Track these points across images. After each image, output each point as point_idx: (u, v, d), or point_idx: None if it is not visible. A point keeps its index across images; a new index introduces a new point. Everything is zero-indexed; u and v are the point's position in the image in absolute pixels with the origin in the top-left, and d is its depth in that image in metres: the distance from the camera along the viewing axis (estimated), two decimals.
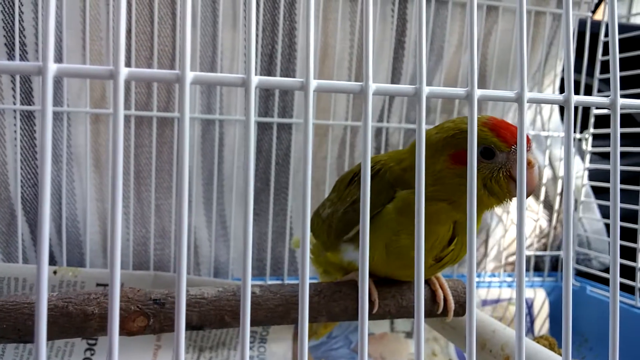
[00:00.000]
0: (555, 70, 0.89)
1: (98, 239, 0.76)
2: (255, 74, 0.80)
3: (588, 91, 0.88)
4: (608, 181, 0.87)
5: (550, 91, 0.90)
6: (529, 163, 0.43)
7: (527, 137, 0.46)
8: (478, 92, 0.28)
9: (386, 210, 0.46)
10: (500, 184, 0.43)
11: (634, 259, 0.78)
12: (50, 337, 0.48)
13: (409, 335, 0.85)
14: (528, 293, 0.89)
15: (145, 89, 0.75)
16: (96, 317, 0.47)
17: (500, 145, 0.42)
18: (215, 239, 0.80)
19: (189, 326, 0.49)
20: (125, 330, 0.47)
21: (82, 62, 0.72)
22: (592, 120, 0.87)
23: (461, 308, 0.54)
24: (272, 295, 0.50)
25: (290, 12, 0.77)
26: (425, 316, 0.55)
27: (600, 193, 0.91)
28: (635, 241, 0.78)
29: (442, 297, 0.53)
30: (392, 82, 0.82)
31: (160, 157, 0.78)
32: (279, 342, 0.80)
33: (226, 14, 0.75)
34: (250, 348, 0.79)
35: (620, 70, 0.39)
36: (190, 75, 0.24)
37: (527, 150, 0.46)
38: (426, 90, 0.27)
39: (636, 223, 0.80)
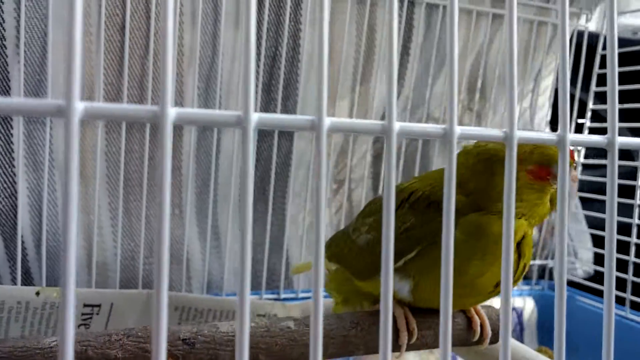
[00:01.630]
0: (551, 80, 0.89)
1: (82, 254, 0.69)
2: (257, 79, 0.75)
3: (582, 106, 0.88)
4: (596, 192, 0.87)
5: (543, 100, 0.90)
6: (574, 179, 0.45)
7: (572, 152, 0.46)
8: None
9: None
10: None
11: (624, 271, 0.79)
12: None
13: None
14: (517, 302, 0.89)
15: (137, 90, 0.69)
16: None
17: (571, 162, 0.44)
18: (209, 251, 0.75)
19: None
20: None
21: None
22: (586, 132, 0.88)
23: (494, 336, 0.53)
24: (308, 329, 0.47)
25: (295, 13, 0.73)
26: (460, 344, 0.53)
27: (588, 203, 0.92)
28: (625, 253, 0.80)
29: (478, 323, 0.51)
30: (397, 89, 0.80)
31: (151, 164, 0.72)
32: None
33: (228, 12, 0.70)
34: None
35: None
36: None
37: (574, 167, 0.46)
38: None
39: (626, 235, 0.82)
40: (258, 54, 0.73)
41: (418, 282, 0.45)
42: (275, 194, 0.77)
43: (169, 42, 0.19)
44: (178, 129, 0.72)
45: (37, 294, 0.63)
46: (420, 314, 0.49)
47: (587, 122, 0.88)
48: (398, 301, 0.49)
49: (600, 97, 0.88)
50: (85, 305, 0.67)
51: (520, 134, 0.24)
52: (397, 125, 0.22)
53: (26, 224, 0.67)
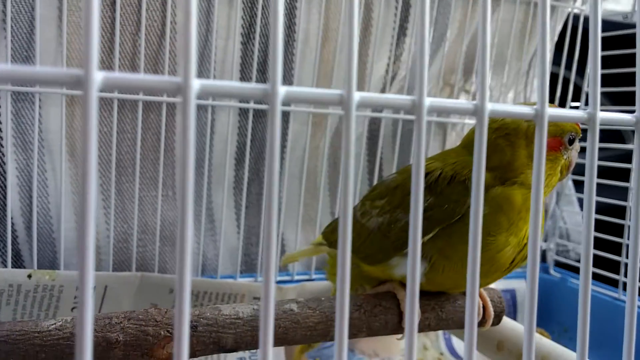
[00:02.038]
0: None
1: (74, 236, 0.68)
2: (251, 58, 0.73)
3: (577, 90, 0.88)
4: (579, 174, 0.87)
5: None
6: (577, 149, 0.48)
7: (578, 125, 0.46)
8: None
9: None
10: (566, 167, 0.47)
11: (618, 253, 0.80)
12: None
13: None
14: (511, 284, 0.90)
15: (129, 69, 0.67)
16: (120, 344, 0.40)
17: (579, 133, 0.46)
18: (203, 234, 0.74)
19: (223, 349, 0.44)
20: (153, 358, 0.41)
21: (58, 34, 0.63)
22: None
23: (496, 318, 0.53)
24: (311, 312, 0.46)
25: None
26: (462, 327, 0.53)
27: (581, 185, 0.92)
28: (619, 235, 0.80)
29: (481, 306, 0.51)
30: (393, 69, 0.79)
31: (143, 144, 0.70)
32: None
33: None
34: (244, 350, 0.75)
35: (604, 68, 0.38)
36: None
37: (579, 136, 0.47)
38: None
39: (620, 218, 0.82)
40: (253, 32, 0.71)
41: (434, 263, 0.45)
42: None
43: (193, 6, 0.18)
44: (170, 108, 0.70)
45: (29, 276, 0.62)
46: (424, 296, 0.49)
47: (582, 105, 0.88)
48: (401, 284, 0.48)
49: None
50: (78, 289, 0.65)
51: (492, 106, 0.23)
52: (428, 101, 0.22)
53: (16, 205, 0.66)
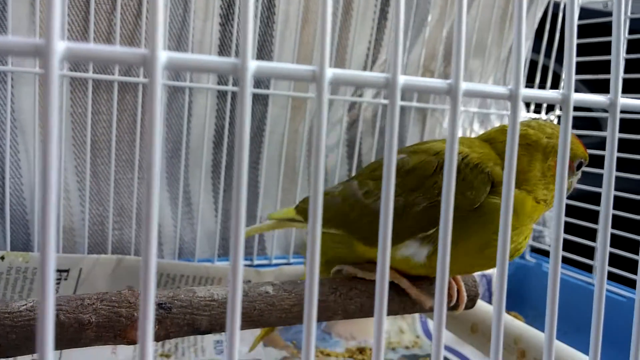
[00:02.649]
0: (526, 49, 0.89)
1: None
2: (230, 40, 0.73)
3: (556, 78, 0.89)
4: None
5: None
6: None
7: (587, 152, 0.47)
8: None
9: (493, 207, 0.43)
10: (567, 189, 0.48)
11: (593, 239, 0.81)
12: (36, 350, 0.41)
13: None
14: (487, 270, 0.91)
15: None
16: (93, 326, 0.40)
17: (586, 159, 0.49)
18: (180, 217, 0.74)
19: (198, 331, 0.44)
20: (126, 340, 0.41)
21: (31, 11, 0.61)
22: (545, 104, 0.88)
23: (470, 302, 0.53)
24: (286, 294, 0.46)
25: None
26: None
27: None
28: (594, 222, 0.81)
29: (455, 289, 0.52)
30: (373, 53, 0.78)
31: (119, 126, 0.69)
32: None
33: None
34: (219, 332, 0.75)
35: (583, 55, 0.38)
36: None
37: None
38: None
39: (596, 204, 0.83)
40: (232, 14, 0.70)
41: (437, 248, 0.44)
42: (249, 159, 0.75)
43: None
44: (147, 89, 0.69)
45: (2, 258, 0.61)
46: (412, 280, 0.49)
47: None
48: (395, 270, 0.48)
49: (576, 69, 0.89)
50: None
51: (466, 85, 0.23)
52: (402, 79, 0.21)
53: None
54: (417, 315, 0.82)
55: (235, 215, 0.21)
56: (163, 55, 0.18)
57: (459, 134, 0.89)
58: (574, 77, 0.25)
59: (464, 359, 0.75)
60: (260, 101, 0.74)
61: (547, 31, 0.87)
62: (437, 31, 0.80)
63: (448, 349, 0.79)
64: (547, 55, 0.87)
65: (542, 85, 0.89)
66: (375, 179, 0.48)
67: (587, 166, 0.82)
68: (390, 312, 0.49)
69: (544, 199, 0.45)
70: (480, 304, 0.57)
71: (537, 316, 0.90)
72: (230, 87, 0.71)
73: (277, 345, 0.75)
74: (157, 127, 0.19)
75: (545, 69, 0.88)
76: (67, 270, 0.66)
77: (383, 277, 0.22)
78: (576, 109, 0.27)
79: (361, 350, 0.76)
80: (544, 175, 0.45)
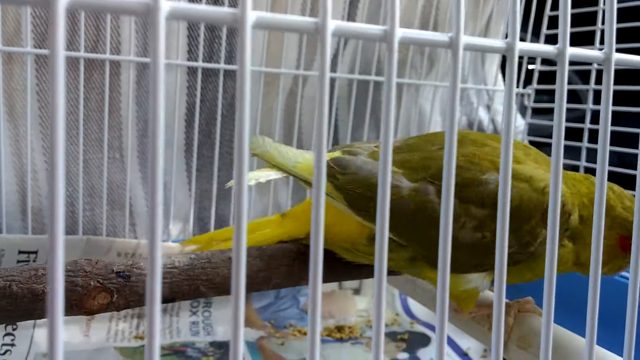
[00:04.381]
0: (502, 26, 0.88)
1: (15, 199, 0.65)
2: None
3: None
4: (547, 137, 0.88)
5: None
6: None
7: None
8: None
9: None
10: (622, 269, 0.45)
11: None
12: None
13: (356, 292, 0.83)
14: None
15: (69, 25, 0.64)
16: (47, 296, 0.39)
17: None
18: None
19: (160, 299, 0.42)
20: (84, 310, 0.40)
21: None
22: (536, 75, 0.88)
23: None
24: (252, 259, 0.45)
25: None
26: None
27: (539, 147, 0.92)
28: None
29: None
30: (348, 20, 0.77)
31: (87, 105, 0.68)
32: (225, 307, 0.75)
33: None
34: (194, 313, 0.74)
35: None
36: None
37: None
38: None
39: None
40: None
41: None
42: (222, 138, 0.74)
43: None
44: (115, 66, 0.68)
45: None
46: None
47: (537, 66, 0.88)
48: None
49: (552, 40, 0.88)
50: (20, 252, 0.64)
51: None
52: (333, 24, 0.20)
53: None
54: (396, 292, 0.82)
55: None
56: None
57: (437, 111, 0.89)
58: (569, 32, 0.24)
59: (450, 341, 0.74)
60: (231, 77, 0.73)
61: (522, 6, 0.86)
62: (411, 6, 0.79)
63: (427, 325, 0.78)
64: (523, 29, 0.86)
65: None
66: (464, 201, 0.40)
67: (568, 140, 0.82)
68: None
69: (584, 264, 0.43)
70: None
71: (517, 292, 0.90)
72: (200, 64, 0.70)
73: (254, 326, 0.74)
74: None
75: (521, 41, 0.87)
76: (35, 252, 0.65)
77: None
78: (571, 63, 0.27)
79: (339, 329, 0.75)
80: (606, 251, 0.42)
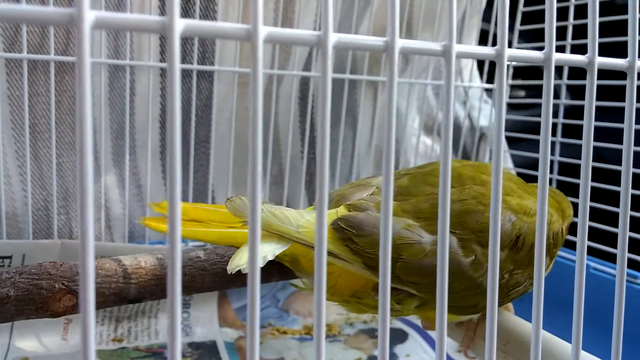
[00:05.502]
0: (476, 20, 0.89)
1: None
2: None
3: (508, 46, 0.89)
4: (521, 131, 0.88)
5: (469, 42, 0.90)
6: None
7: None
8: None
9: None
10: None
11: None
12: None
13: None
14: None
15: (39, 27, 0.64)
16: (12, 299, 0.39)
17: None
18: (128, 199, 0.72)
19: (126, 300, 0.43)
20: (49, 312, 0.40)
21: None
22: (510, 71, 0.88)
23: None
24: (219, 258, 0.45)
25: None
26: None
27: (513, 142, 0.93)
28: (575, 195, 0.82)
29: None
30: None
31: (59, 108, 0.67)
32: (203, 308, 0.75)
33: None
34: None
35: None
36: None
37: None
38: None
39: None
40: None
41: None
42: (197, 139, 0.74)
43: None
44: None
45: None
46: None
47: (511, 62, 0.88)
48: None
49: (526, 37, 0.89)
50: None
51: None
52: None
53: None
54: None
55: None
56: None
57: (413, 109, 0.89)
58: (506, 34, 0.25)
59: (427, 337, 0.74)
60: (205, 78, 0.73)
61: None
62: (385, 4, 0.80)
63: (404, 321, 0.78)
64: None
65: None
66: (485, 246, 0.39)
67: (530, 134, 0.83)
68: None
69: None
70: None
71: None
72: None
73: (233, 325, 0.74)
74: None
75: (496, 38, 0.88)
76: (9, 257, 0.65)
77: None
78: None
79: None
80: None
